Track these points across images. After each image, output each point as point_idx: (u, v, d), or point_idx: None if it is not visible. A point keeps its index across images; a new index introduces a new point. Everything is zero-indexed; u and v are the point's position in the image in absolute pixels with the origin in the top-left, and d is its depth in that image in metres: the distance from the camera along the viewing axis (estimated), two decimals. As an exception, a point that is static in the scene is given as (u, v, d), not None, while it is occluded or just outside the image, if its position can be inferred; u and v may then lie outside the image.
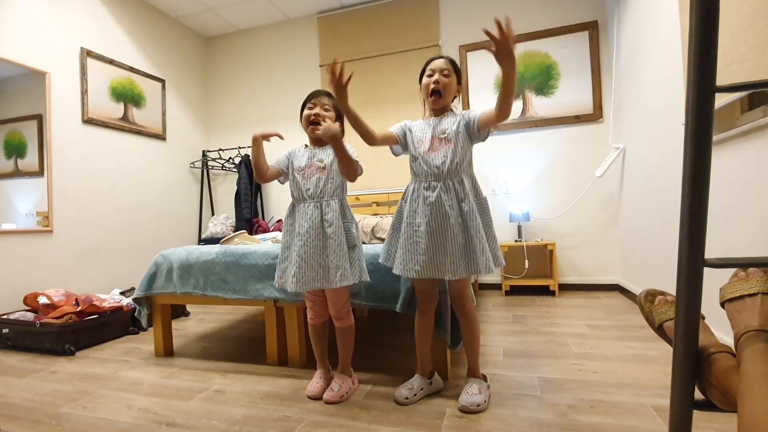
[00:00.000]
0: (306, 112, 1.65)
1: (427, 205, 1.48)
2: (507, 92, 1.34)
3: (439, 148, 1.52)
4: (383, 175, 3.98)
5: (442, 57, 1.56)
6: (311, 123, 1.64)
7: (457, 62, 3.77)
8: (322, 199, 1.61)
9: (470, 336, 1.57)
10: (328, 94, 1.67)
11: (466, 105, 3.80)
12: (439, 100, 1.54)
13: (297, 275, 1.56)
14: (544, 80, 3.61)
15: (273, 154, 1.73)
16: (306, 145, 1.74)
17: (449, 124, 1.54)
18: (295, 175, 1.67)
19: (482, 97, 3.76)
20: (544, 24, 3.62)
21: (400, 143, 1.62)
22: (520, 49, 3.67)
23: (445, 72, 1.53)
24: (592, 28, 3.50)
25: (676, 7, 2.21)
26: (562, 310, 2.88)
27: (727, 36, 1.66)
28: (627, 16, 3.08)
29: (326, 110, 1.65)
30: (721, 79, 1.63)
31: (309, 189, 1.62)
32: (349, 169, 1.57)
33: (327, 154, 1.66)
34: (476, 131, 1.51)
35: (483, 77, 3.77)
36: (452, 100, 1.60)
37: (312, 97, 1.67)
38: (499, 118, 1.42)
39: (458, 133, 1.51)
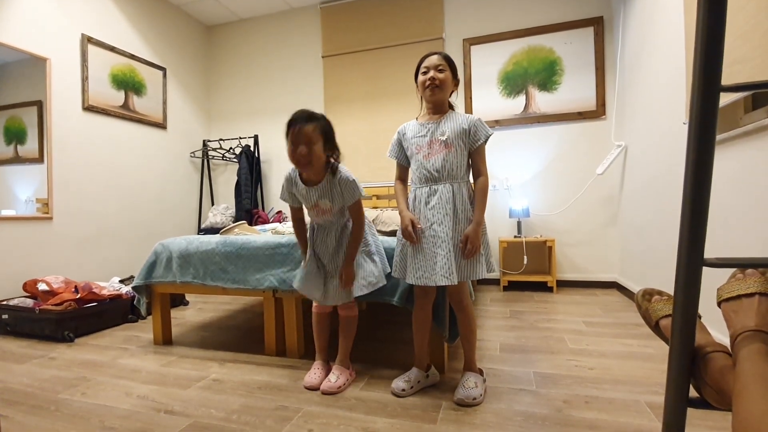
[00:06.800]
0: (289, 148, 1.49)
1: (429, 209, 1.49)
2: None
3: (439, 151, 1.52)
4: (383, 168, 3.98)
5: (435, 53, 1.55)
6: (299, 163, 1.50)
7: (461, 55, 3.78)
8: (334, 225, 1.67)
9: (467, 331, 1.58)
10: (308, 119, 1.47)
11: (468, 98, 3.79)
12: (436, 91, 1.53)
13: (324, 291, 1.66)
14: (548, 76, 3.59)
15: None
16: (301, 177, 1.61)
17: (450, 127, 1.53)
18: (303, 202, 1.67)
19: (485, 92, 3.74)
20: (549, 19, 3.59)
21: (402, 162, 1.67)
22: (524, 44, 3.65)
23: (440, 67, 1.53)
24: (597, 24, 3.48)
25: (682, 5, 2.19)
26: (560, 307, 2.89)
27: (731, 35, 1.65)
28: (633, 13, 3.05)
29: (311, 142, 1.46)
30: (724, 78, 1.62)
31: (319, 222, 1.68)
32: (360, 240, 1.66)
33: (331, 196, 1.58)
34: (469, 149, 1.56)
35: (486, 71, 3.75)
36: (450, 95, 1.59)
37: (290, 126, 1.48)
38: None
39: (457, 139, 1.52)
